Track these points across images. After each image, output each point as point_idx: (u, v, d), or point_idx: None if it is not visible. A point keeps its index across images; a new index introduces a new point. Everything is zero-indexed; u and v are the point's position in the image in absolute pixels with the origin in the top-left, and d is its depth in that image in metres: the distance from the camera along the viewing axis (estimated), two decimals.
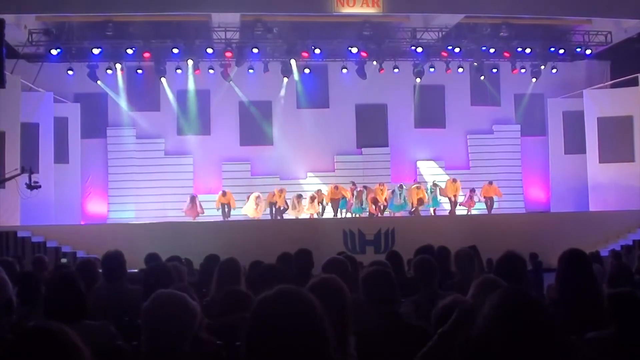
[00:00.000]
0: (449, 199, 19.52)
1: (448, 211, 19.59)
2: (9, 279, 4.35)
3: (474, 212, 19.56)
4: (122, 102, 20.18)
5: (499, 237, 14.01)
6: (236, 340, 3.52)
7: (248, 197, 18.80)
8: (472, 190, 19.52)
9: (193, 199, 18.69)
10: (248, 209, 18.60)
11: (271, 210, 18.98)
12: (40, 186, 14.49)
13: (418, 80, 20.51)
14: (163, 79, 19.72)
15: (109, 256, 5.39)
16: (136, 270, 6.65)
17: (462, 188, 19.75)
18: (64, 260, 13.03)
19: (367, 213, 18.94)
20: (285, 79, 20.28)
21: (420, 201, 19.10)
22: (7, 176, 14.75)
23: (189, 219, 18.41)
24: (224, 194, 18.74)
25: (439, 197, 19.51)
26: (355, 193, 19.06)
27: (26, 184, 14.22)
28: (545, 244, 13.69)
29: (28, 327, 1.97)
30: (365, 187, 19.19)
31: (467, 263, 5.57)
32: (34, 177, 14.48)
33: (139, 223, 17.97)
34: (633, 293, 3.63)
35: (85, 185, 19.99)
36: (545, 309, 2.21)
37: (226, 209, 18.67)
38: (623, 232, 16.69)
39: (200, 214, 18.65)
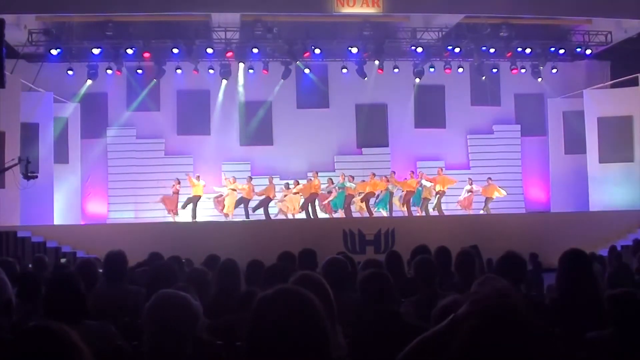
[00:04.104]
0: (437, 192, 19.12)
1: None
2: (9, 279, 4.35)
3: (472, 211, 19.45)
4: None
5: (499, 237, 13.99)
6: (236, 340, 3.53)
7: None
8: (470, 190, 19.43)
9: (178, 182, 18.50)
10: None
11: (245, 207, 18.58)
12: (37, 176, 14.48)
13: (418, 80, 20.48)
14: (154, 79, 19.73)
15: (112, 256, 5.39)
16: (140, 270, 6.62)
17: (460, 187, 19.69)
18: (64, 260, 13.02)
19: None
20: (285, 79, 20.27)
21: (370, 194, 18.51)
22: (5, 166, 14.77)
23: (188, 219, 18.39)
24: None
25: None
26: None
27: (22, 173, 14.24)
28: (545, 244, 13.68)
29: (28, 327, 1.96)
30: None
31: (469, 263, 5.54)
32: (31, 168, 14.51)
33: (139, 223, 17.97)
34: (633, 293, 3.63)
35: (85, 185, 19.98)
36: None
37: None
38: (623, 232, 16.68)
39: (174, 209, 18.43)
